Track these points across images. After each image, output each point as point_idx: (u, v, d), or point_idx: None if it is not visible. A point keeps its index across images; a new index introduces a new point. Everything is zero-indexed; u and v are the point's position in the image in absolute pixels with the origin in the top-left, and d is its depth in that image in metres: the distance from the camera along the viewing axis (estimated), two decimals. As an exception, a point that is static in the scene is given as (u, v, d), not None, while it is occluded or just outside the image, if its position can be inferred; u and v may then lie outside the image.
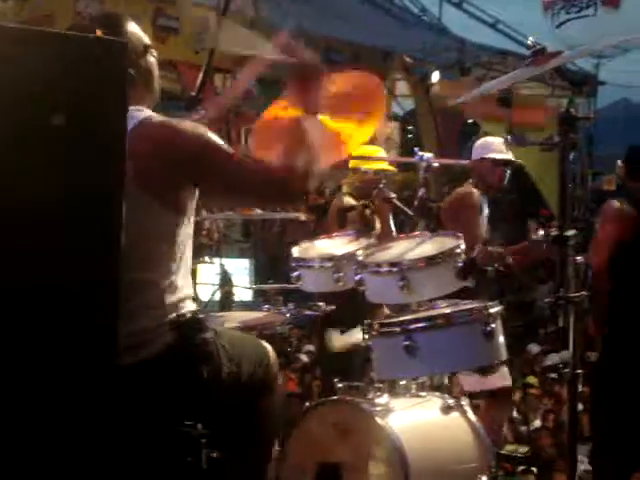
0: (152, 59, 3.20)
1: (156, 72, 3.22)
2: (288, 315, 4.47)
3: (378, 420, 3.86)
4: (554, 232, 3.54)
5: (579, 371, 3.56)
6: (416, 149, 4.76)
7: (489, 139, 6.45)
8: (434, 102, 13.95)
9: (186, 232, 3.09)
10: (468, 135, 14.22)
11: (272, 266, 12.55)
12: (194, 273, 3.29)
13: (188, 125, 3.07)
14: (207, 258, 6.02)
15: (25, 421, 2.43)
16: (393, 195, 6.15)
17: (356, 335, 4.26)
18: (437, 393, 4.25)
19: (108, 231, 2.53)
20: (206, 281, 5.72)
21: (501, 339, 3.99)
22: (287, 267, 4.64)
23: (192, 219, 3.13)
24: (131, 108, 2.92)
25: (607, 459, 4.83)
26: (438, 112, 13.89)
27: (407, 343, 3.85)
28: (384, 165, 6.37)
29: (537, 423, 8.87)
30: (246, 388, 3.23)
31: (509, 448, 8.02)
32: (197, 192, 3.10)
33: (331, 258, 4.39)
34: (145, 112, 3.04)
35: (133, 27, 3.15)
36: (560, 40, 12.99)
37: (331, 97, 3.35)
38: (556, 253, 3.52)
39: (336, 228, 6.08)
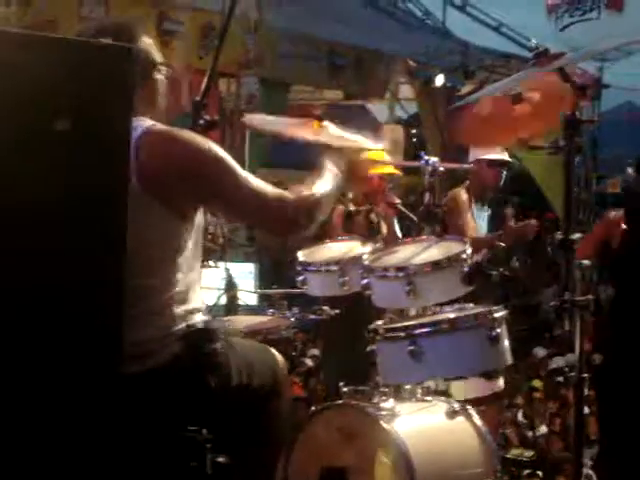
0: (160, 77, 3.18)
1: (162, 90, 3.20)
2: (293, 319, 4.48)
3: (384, 424, 3.86)
4: (559, 236, 3.54)
5: (585, 375, 3.55)
6: (422, 153, 4.76)
7: None
8: (438, 106, 13.95)
9: (192, 245, 3.07)
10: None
11: (276, 270, 12.52)
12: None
13: (194, 139, 3.05)
14: (212, 262, 6.02)
15: (28, 425, 2.43)
16: (398, 200, 6.15)
17: None
18: (442, 398, 4.24)
19: (112, 234, 2.54)
20: (211, 285, 5.71)
21: (506, 343, 3.99)
22: (291, 271, 4.63)
23: (199, 235, 3.11)
24: (134, 119, 2.92)
25: (612, 463, 4.82)
26: (442, 116, 13.89)
27: (412, 348, 3.85)
28: (389, 169, 6.36)
29: (543, 428, 8.84)
30: (255, 397, 3.22)
31: (514, 452, 8.01)
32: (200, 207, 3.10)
33: (337, 262, 4.38)
34: (149, 121, 3.02)
35: (146, 42, 3.13)
36: (564, 43, 12.98)
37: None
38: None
39: (337, 232, 6.08)
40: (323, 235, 4.88)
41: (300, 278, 4.45)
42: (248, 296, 7.18)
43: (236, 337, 3.59)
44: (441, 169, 4.66)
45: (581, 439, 3.58)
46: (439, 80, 13.57)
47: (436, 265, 4.00)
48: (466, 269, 3.96)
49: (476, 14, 16.35)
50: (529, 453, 8.04)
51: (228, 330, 3.89)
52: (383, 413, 3.92)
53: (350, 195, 6.57)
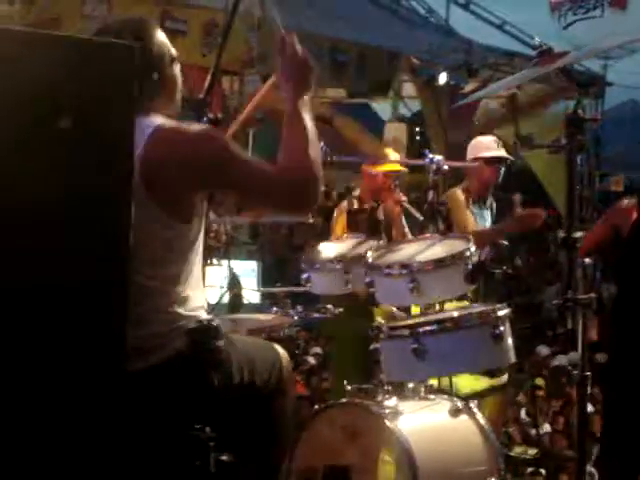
0: (177, 70, 3.19)
1: (179, 83, 3.21)
2: (296, 317, 4.48)
3: (387, 423, 3.86)
4: (562, 234, 3.54)
5: (588, 373, 3.55)
6: (426, 151, 4.76)
7: (480, 138, 6.45)
8: (441, 104, 13.95)
9: (196, 244, 3.07)
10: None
11: (279, 268, 12.53)
12: (202, 276, 3.28)
13: (205, 131, 3.05)
14: (215, 260, 6.02)
15: (33, 423, 2.43)
16: (404, 198, 6.16)
17: None
18: (445, 396, 4.24)
19: (115, 233, 2.54)
20: (214, 283, 5.71)
21: (510, 342, 3.99)
22: (294, 269, 4.64)
23: (201, 235, 3.11)
24: (150, 117, 2.93)
25: (614, 461, 4.82)
26: (446, 114, 13.88)
27: (416, 346, 3.85)
28: (394, 166, 6.36)
29: (546, 426, 8.84)
30: (258, 394, 3.22)
31: (518, 450, 8.01)
32: (206, 204, 3.09)
33: (340, 260, 4.38)
34: (159, 119, 3.02)
35: (161, 36, 3.13)
36: (567, 41, 12.97)
37: None
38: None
39: (340, 230, 6.08)
40: (327, 233, 4.89)
41: (304, 276, 4.46)
42: (251, 294, 7.18)
43: (238, 335, 3.59)
44: (445, 167, 4.66)
45: (584, 437, 3.58)
46: (442, 78, 13.55)
47: (439, 263, 4.00)
48: (469, 267, 3.96)
49: (479, 12, 16.34)
50: (532, 451, 8.04)
51: (230, 328, 3.90)
52: (386, 411, 3.92)
53: (355, 193, 6.57)
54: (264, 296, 8.56)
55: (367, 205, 6.30)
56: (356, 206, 6.33)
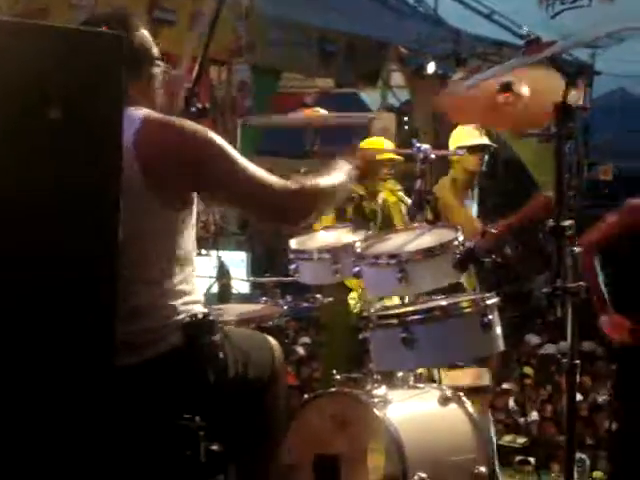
0: (156, 71, 3.18)
1: (158, 84, 3.19)
2: (285, 307, 4.48)
3: (376, 412, 3.87)
4: (551, 222, 3.54)
5: (577, 361, 3.56)
6: (414, 140, 4.76)
7: (461, 127, 6.43)
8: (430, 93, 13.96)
9: (189, 237, 3.07)
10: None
11: (269, 258, 12.53)
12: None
13: (191, 127, 3.05)
14: (204, 251, 6.02)
15: (24, 418, 2.43)
16: (399, 187, 6.15)
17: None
18: (435, 385, 4.26)
19: (103, 225, 2.53)
20: (203, 274, 5.71)
21: (498, 330, 3.99)
22: (284, 259, 4.63)
23: (195, 227, 3.11)
24: (130, 108, 2.92)
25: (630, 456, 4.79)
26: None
27: (405, 335, 3.85)
28: (389, 155, 6.35)
29: (534, 414, 8.89)
30: (252, 387, 3.22)
31: (507, 439, 8.05)
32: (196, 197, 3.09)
33: (329, 250, 4.38)
34: (144, 110, 3.01)
35: (142, 34, 3.14)
36: (555, 31, 12.97)
37: None
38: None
39: (330, 220, 6.08)
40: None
41: (292, 266, 4.45)
42: (241, 284, 7.19)
43: (231, 326, 3.60)
44: (433, 156, 4.66)
45: (573, 425, 3.58)
46: (431, 68, 13.54)
47: (428, 252, 4.00)
48: (458, 256, 3.97)
49: (468, 1, 16.32)
50: (521, 439, 8.09)
51: (222, 319, 3.90)
52: (376, 400, 3.93)
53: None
54: (253, 286, 8.57)
55: (354, 195, 6.29)
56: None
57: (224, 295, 5.97)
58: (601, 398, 9.31)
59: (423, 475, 3.78)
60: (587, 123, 14.36)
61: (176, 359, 2.99)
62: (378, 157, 6.28)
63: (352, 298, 4.94)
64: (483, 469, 3.99)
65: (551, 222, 3.48)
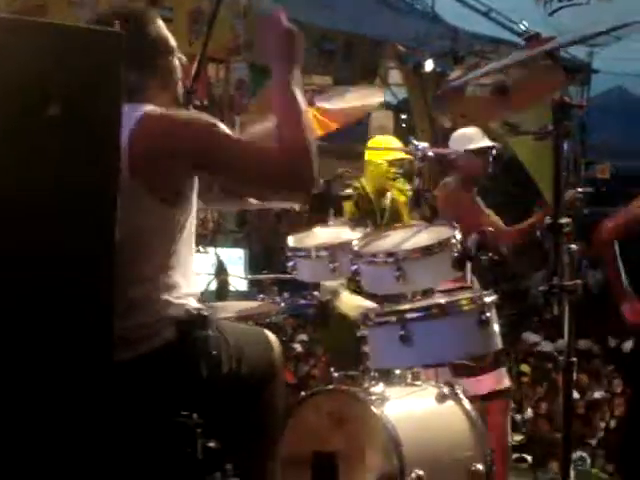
0: (175, 62, 3.17)
1: (177, 76, 3.19)
2: (283, 305, 4.48)
3: (373, 409, 3.87)
4: (548, 220, 3.55)
5: (574, 359, 3.56)
6: (411, 138, 4.76)
7: (463, 131, 6.40)
8: (427, 91, 13.95)
9: (185, 232, 3.07)
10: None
11: (267, 256, 12.54)
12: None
13: (192, 115, 3.05)
14: (201, 248, 6.02)
15: (18, 415, 2.43)
16: (408, 187, 6.14)
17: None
18: (432, 382, 4.26)
19: (101, 222, 2.53)
20: (201, 271, 5.71)
21: (496, 328, 4.00)
22: (282, 257, 4.63)
23: (193, 220, 3.10)
24: (141, 104, 2.92)
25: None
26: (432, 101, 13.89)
27: (402, 333, 3.86)
28: (399, 154, 6.35)
29: (529, 412, 8.91)
30: (248, 383, 3.21)
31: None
32: (196, 187, 3.08)
33: (327, 248, 4.38)
34: (148, 106, 3.01)
35: (158, 27, 3.13)
36: (553, 28, 12.96)
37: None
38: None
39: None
40: (318, 221, 4.88)
41: (290, 264, 4.45)
42: (238, 282, 7.19)
43: (228, 322, 3.59)
44: (430, 154, 4.66)
45: (570, 423, 3.59)
46: (428, 65, 13.54)
47: (425, 250, 4.00)
48: (456, 254, 3.97)
49: (466, -1, 16.33)
50: (518, 437, 8.10)
51: (219, 316, 3.90)
52: (373, 397, 3.93)
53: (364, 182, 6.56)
54: (251, 283, 8.58)
55: (350, 192, 6.29)
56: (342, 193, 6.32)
57: (222, 292, 5.97)
58: (598, 394, 9.35)
59: (420, 472, 3.78)
60: (584, 122, 14.37)
61: (169, 354, 2.99)
62: (387, 157, 6.31)
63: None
64: (480, 466, 3.99)
65: (548, 220, 3.49)
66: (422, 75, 13.78)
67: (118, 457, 2.67)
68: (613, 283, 4.71)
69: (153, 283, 3.00)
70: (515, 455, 7.70)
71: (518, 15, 14.95)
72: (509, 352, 6.29)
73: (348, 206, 6.17)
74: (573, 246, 3.49)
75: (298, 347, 10.48)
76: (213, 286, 5.67)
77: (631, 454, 4.84)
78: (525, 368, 10.24)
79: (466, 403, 4.13)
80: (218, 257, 5.97)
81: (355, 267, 4.10)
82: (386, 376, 4.15)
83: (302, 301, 4.63)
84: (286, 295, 4.62)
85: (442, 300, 4.05)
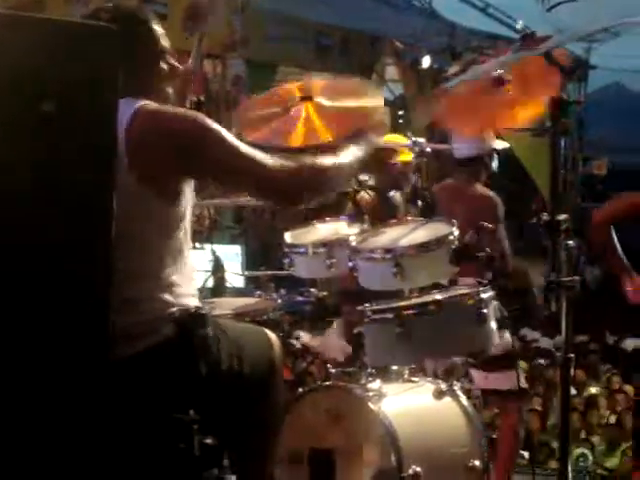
0: (165, 66, 3.15)
1: (166, 76, 3.17)
2: (280, 301, 4.47)
3: (371, 405, 3.87)
4: (545, 217, 3.54)
5: (571, 355, 3.56)
6: (408, 134, 4.75)
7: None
8: (425, 87, 13.96)
9: (183, 229, 3.06)
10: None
11: (263, 252, 12.53)
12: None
13: (185, 112, 3.04)
14: (198, 244, 6.01)
15: (15, 410, 2.43)
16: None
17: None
18: (429, 378, 4.26)
19: (98, 218, 2.52)
20: (198, 267, 5.71)
21: (493, 324, 4.00)
22: (279, 253, 4.62)
23: (188, 215, 3.10)
24: (129, 98, 2.91)
25: None
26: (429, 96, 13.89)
27: (400, 329, 3.85)
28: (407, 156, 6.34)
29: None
30: (248, 381, 3.20)
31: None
32: (192, 183, 3.07)
33: (324, 244, 4.37)
34: (141, 101, 3.00)
35: (150, 25, 3.10)
36: (551, 24, 12.96)
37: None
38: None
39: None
40: (315, 217, 4.87)
41: (287, 260, 4.45)
42: (235, 278, 7.18)
43: (228, 320, 3.59)
44: (428, 150, 4.65)
45: (567, 419, 3.59)
46: (426, 61, 13.56)
47: (423, 246, 4.00)
48: (453, 250, 3.97)
49: (462, -5, 16.33)
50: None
51: (216, 313, 3.90)
52: (370, 394, 3.93)
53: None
54: (248, 280, 8.57)
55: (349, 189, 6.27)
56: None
57: (219, 289, 5.97)
58: (595, 390, 9.35)
59: (418, 469, 3.78)
60: (582, 118, 14.38)
61: (169, 351, 2.98)
62: (401, 157, 6.28)
63: None
64: (477, 462, 3.99)
65: (546, 216, 3.48)
66: (419, 71, 13.79)
67: (116, 453, 2.67)
68: (612, 262, 4.70)
69: (152, 281, 2.99)
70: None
71: (516, 11, 14.98)
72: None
73: (344, 202, 6.15)
74: (571, 242, 3.48)
75: (296, 344, 10.46)
76: (210, 283, 5.67)
77: None
78: (522, 365, 10.23)
79: (463, 399, 4.12)
80: (215, 254, 5.96)
81: (353, 263, 4.09)
82: (383, 372, 4.14)
83: (299, 297, 4.62)
84: (283, 292, 4.61)
85: (439, 296, 4.05)
